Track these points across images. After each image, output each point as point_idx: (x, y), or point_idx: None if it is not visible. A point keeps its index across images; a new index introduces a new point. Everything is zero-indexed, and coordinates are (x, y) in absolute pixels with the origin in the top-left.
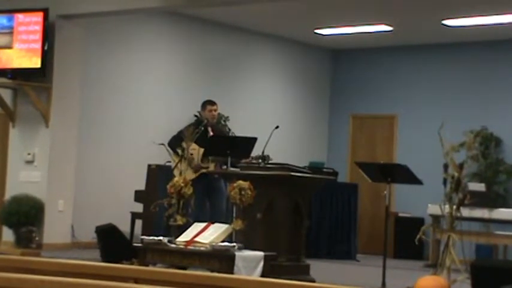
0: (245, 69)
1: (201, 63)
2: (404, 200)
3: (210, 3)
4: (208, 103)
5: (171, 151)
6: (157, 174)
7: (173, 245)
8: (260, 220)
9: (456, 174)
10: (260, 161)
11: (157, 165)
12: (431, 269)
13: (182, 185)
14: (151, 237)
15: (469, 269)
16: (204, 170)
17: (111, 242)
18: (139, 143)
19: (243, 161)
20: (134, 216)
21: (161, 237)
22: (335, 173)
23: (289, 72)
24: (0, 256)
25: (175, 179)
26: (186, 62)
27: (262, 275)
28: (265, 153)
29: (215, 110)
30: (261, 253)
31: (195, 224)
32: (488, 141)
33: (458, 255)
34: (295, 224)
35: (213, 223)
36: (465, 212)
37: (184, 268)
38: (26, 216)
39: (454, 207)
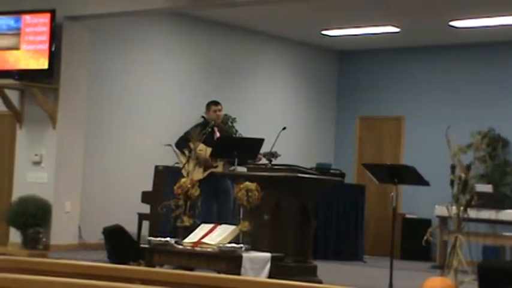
0: (252, 71)
1: (208, 64)
2: (411, 201)
3: (217, 4)
4: (212, 104)
5: (178, 152)
6: (165, 175)
7: (180, 246)
8: (267, 221)
9: (463, 176)
10: (268, 158)
11: (165, 166)
12: (438, 270)
13: (189, 186)
14: (158, 238)
15: (476, 270)
16: (212, 169)
17: (118, 243)
18: (146, 143)
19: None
20: (141, 217)
21: (168, 238)
22: (342, 174)
23: (296, 74)
24: (7, 257)
25: (183, 180)
26: (193, 63)
27: (270, 276)
28: (273, 150)
29: (219, 110)
30: (268, 254)
31: (202, 225)
32: (495, 143)
33: (465, 256)
34: (302, 225)
35: (220, 224)
36: (472, 213)
37: (192, 269)
38: (33, 217)
39: (461, 208)
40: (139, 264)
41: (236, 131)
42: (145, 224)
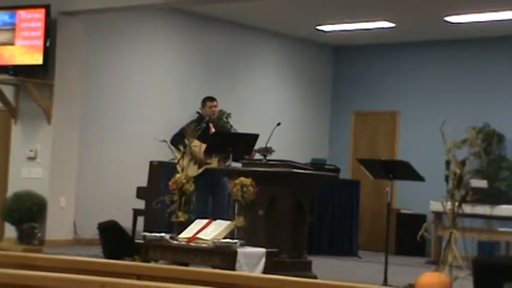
0: (246, 66)
1: (203, 60)
2: (406, 197)
3: (213, 0)
4: (208, 99)
5: (173, 148)
6: (159, 171)
7: (175, 242)
8: (262, 217)
9: (458, 171)
10: (263, 153)
11: (160, 162)
12: (433, 266)
13: (184, 181)
14: (153, 234)
15: (471, 265)
16: (207, 166)
17: (113, 239)
18: (141, 139)
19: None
20: (136, 212)
21: (163, 234)
22: (337, 170)
23: (291, 69)
24: (2, 253)
25: (178, 175)
26: (187, 59)
27: (264, 272)
28: (267, 146)
29: (215, 106)
30: (263, 250)
31: (197, 220)
32: (490, 138)
33: (460, 252)
34: (297, 221)
35: (215, 220)
36: (467, 208)
37: (186, 265)
38: (28, 212)
39: (456, 204)
40: (134, 260)
41: (231, 126)
42: (140, 220)
